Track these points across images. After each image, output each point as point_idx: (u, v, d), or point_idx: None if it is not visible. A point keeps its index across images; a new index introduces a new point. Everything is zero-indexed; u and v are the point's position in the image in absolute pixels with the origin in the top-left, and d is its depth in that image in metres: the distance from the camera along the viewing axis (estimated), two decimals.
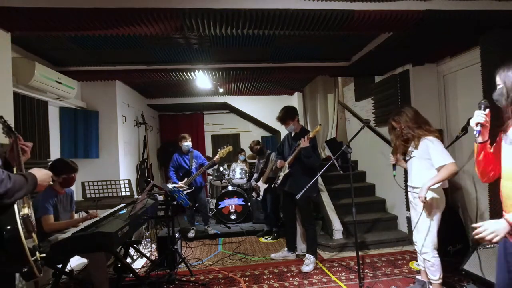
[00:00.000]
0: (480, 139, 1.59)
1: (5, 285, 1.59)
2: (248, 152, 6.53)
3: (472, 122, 1.59)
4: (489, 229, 1.39)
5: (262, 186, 4.76)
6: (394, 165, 2.82)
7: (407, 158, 2.70)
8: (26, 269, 1.47)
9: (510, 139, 1.51)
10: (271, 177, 4.50)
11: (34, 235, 1.64)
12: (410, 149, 2.67)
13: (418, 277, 2.83)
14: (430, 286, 2.65)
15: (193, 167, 4.76)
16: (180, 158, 4.81)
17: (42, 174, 1.60)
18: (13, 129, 1.77)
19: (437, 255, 2.53)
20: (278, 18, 2.60)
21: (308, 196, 3.42)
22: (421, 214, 2.55)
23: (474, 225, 1.45)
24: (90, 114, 4.49)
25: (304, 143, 3.27)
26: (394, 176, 2.81)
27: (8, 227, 1.43)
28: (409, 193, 2.76)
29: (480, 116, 1.56)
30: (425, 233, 2.54)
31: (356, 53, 4.01)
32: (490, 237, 1.38)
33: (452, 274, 3.06)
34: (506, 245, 1.53)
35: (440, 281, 2.54)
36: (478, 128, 1.57)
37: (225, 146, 4.67)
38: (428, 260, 2.54)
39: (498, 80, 1.55)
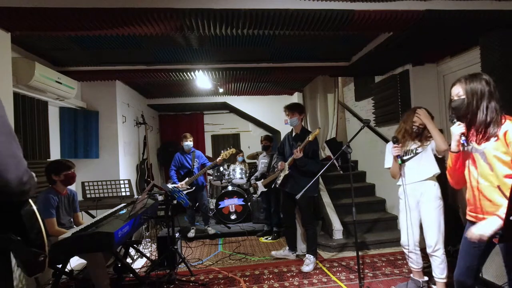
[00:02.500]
0: (460, 148, 1.71)
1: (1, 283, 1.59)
2: (246, 153, 6.55)
3: (457, 132, 1.70)
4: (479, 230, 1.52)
5: (261, 187, 4.76)
6: (399, 156, 2.62)
7: (406, 157, 2.65)
8: (42, 258, 1.45)
9: (472, 145, 1.70)
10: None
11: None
12: (409, 147, 2.66)
13: (412, 276, 2.82)
14: (434, 286, 2.64)
15: (195, 167, 4.77)
16: (182, 158, 4.82)
17: None
18: None
19: (444, 254, 2.54)
20: (278, 18, 2.60)
21: (308, 196, 3.42)
22: (428, 210, 2.58)
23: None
24: (90, 114, 4.49)
25: (297, 154, 3.27)
26: (402, 162, 2.64)
27: (33, 215, 1.44)
28: (412, 189, 2.65)
29: (460, 126, 1.69)
30: (437, 229, 2.53)
31: (356, 53, 4.00)
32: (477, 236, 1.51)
33: (452, 274, 3.05)
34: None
35: (446, 280, 2.54)
36: (464, 138, 1.68)
37: (228, 149, 4.71)
38: (438, 257, 2.52)
39: (461, 91, 1.71)
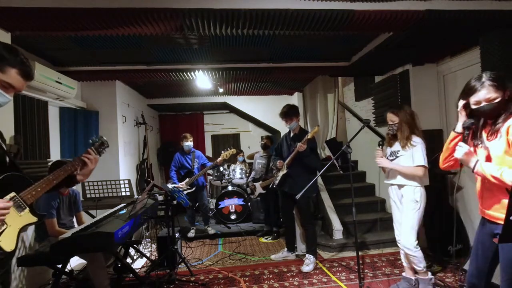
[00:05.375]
0: (460, 130, 1.74)
1: None
2: (246, 153, 6.55)
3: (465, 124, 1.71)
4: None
5: (259, 189, 4.76)
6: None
7: (390, 157, 2.76)
8: None
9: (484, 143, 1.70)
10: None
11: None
12: (394, 148, 2.75)
13: (404, 274, 2.87)
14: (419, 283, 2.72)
15: (195, 167, 4.77)
16: (182, 158, 4.82)
17: None
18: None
19: (419, 248, 2.63)
20: (278, 18, 2.60)
21: (308, 196, 3.42)
22: (404, 211, 2.68)
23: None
24: (90, 114, 4.49)
25: (301, 147, 3.26)
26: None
27: None
28: (393, 191, 2.81)
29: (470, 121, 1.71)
30: (410, 229, 2.62)
31: (356, 53, 4.00)
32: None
33: (452, 274, 3.06)
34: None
35: (425, 269, 2.67)
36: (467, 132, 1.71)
37: (228, 149, 4.73)
38: (411, 254, 2.63)
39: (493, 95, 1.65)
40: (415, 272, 2.77)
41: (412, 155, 2.60)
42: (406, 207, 2.66)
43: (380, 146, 2.82)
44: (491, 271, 1.76)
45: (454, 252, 3.39)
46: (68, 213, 2.99)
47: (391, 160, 2.74)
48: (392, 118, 2.70)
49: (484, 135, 1.72)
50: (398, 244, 2.81)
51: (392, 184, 2.80)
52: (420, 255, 2.63)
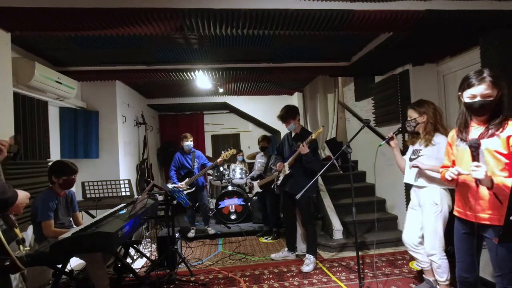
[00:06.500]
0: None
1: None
2: (246, 153, 6.55)
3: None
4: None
5: (256, 188, 4.76)
6: (388, 141, 2.67)
7: (412, 156, 2.62)
8: (8, 263, 1.48)
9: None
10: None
11: (16, 229, 1.67)
12: (416, 147, 2.61)
13: (425, 276, 2.76)
14: (438, 286, 2.63)
15: (195, 167, 4.78)
16: (182, 158, 4.82)
17: (22, 196, 1.68)
18: None
19: (445, 257, 2.51)
20: (278, 18, 2.60)
21: (308, 196, 3.42)
22: (426, 215, 2.54)
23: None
24: (90, 114, 4.49)
25: (303, 149, 3.25)
26: (380, 145, 2.69)
27: None
28: (413, 192, 2.69)
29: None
30: (432, 234, 2.51)
31: (356, 53, 4.00)
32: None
33: (452, 275, 3.05)
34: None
35: (447, 282, 2.52)
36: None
37: (228, 149, 4.74)
38: (435, 262, 2.51)
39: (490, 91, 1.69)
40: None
41: (436, 156, 2.41)
42: (426, 211, 2.54)
43: (395, 134, 2.65)
44: (478, 262, 1.85)
45: (453, 252, 3.39)
46: (66, 214, 2.99)
47: (413, 159, 2.60)
48: (411, 113, 2.58)
49: (472, 133, 1.75)
50: (406, 247, 2.75)
51: (417, 186, 2.62)
52: (445, 265, 2.49)
